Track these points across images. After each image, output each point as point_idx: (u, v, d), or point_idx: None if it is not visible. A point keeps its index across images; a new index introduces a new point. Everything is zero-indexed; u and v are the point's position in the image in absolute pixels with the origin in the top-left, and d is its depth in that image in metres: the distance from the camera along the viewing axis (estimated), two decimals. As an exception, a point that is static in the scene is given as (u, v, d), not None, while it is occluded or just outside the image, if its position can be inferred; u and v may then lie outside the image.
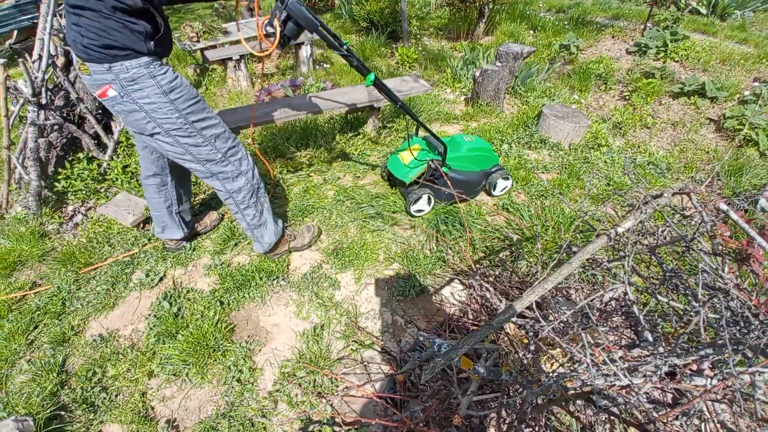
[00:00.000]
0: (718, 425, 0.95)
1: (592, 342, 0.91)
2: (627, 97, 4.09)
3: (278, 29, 1.48)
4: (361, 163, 3.09)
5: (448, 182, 2.24)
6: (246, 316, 1.99)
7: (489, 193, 2.72)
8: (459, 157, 2.42)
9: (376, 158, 3.16)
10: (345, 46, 1.66)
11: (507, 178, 2.68)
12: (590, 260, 1.09)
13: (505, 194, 2.76)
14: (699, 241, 0.94)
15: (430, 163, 2.36)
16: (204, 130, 1.65)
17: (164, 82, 1.51)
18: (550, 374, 0.95)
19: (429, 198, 2.48)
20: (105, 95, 1.49)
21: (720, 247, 0.77)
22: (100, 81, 1.46)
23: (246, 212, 1.95)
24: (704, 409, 1.03)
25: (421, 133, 2.56)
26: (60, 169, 2.75)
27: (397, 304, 2.04)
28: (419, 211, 2.50)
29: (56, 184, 2.72)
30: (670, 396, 1.19)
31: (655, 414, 0.91)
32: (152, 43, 1.45)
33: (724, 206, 0.64)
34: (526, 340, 1.32)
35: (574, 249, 1.19)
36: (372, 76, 1.75)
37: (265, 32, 1.54)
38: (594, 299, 1.00)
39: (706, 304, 0.72)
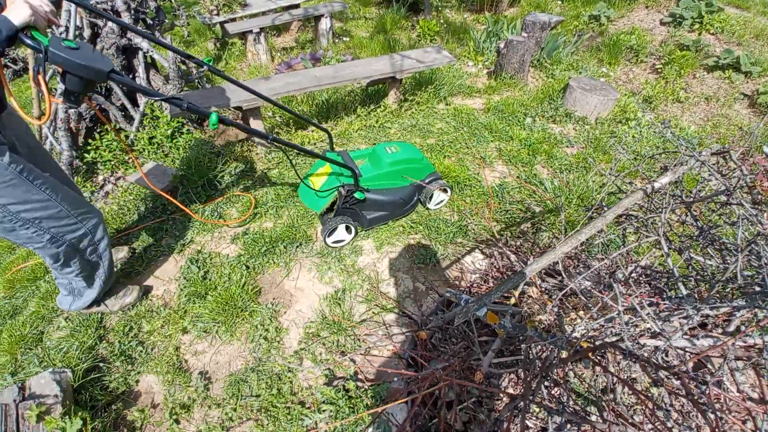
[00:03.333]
0: (738, 390, 0.95)
1: (624, 292, 0.91)
2: (659, 70, 3.92)
3: (43, 84, 1.19)
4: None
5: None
6: (271, 280, 2.05)
7: (424, 206, 2.40)
8: (380, 174, 2.08)
9: (397, 130, 3.14)
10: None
11: (445, 190, 2.33)
12: (623, 216, 1.08)
13: (440, 208, 2.43)
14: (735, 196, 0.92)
15: (340, 189, 2.01)
16: (22, 213, 1.38)
17: None
18: (576, 328, 0.96)
19: (348, 227, 2.15)
20: None
21: (760, 197, 0.75)
22: None
23: (71, 277, 1.70)
24: (724, 374, 1.03)
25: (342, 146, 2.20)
26: (90, 140, 2.83)
27: (417, 271, 2.07)
28: (337, 242, 2.18)
29: (86, 155, 2.80)
30: (691, 365, 1.19)
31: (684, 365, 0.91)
32: None
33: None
34: (549, 302, 1.33)
35: (605, 210, 1.18)
36: (215, 117, 1.34)
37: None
38: (627, 250, 0.99)
39: (744, 250, 0.71)
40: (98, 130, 3.00)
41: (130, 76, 3.13)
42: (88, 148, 2.80)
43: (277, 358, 1.69)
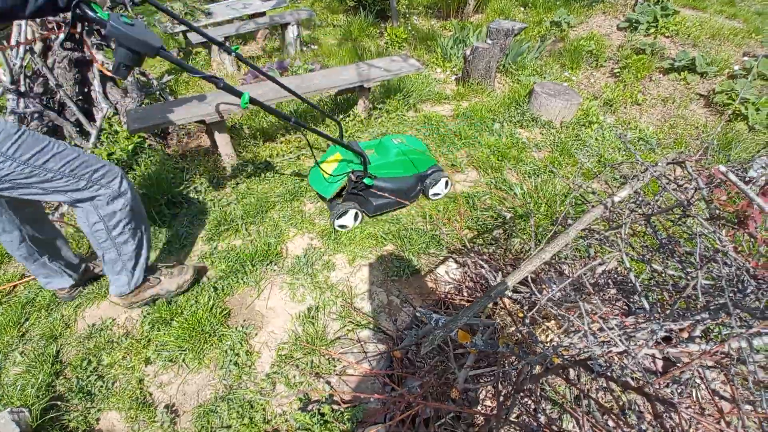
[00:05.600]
0: (709, 392, 0.97)
1: (590, 310, 0.91)
2: (618, 74, 4.07)
3: (91, 52, 1.29)
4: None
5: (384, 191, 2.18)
6: (241, 301, 1.98)
7: (426, 196, 2.52)
8: (387, 163, 2.23)
9: (368, 139, 3.12)
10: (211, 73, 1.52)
11: (445, 182, 2.48)
12: (586, 230, 1.09)
13: (440, 199, 2.55)
14: (691, 210, 0.94)
15: (350, 175, 2.14)
16: (47, 164, 1.38)
17: None
18: (547, 344, 0.95)
19: (355, 213, 2.28)
20: None
21: (717, 211, 0.77)
22: None
23: (118, 239, 1.66)
24: (696, 376, 1.05)
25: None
26: (42, 158, 2.66)
27: (391, 284, 2.04)
28: (343, 226, 2.29)
29: (39, 173, 2.63)
30: (660, 364, 1.21)
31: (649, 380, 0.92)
32: None
33: (723, 168, 0.63)
34: (521, 314, 1.33)
35: (570, 222, 1.19)
36: (246, 96, 1.52)
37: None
38: (590, 267, 1.00)
39: (703, 267, 0.72)
40: (51, 148, 2.83)
41: (85, 90, 2.98)
42: (41, 167, 2.63)
43: (248, 384, 1.63)
